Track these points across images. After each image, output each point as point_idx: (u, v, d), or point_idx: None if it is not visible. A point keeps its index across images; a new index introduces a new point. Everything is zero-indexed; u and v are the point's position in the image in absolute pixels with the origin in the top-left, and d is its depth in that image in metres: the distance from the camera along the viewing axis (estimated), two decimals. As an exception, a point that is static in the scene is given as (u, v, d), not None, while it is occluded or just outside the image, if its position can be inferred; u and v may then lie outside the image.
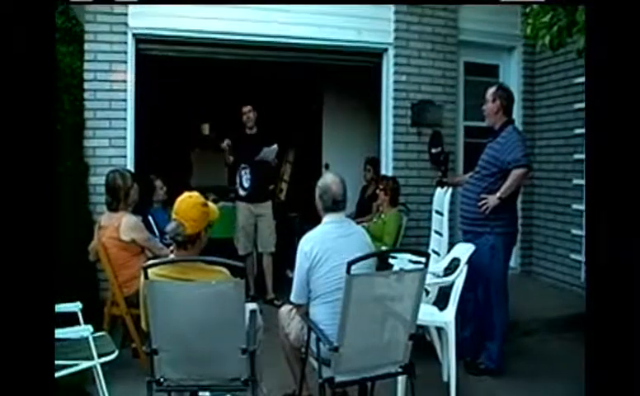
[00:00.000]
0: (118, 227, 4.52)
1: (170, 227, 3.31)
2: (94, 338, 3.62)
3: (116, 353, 3.73)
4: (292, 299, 3.73)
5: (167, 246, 4.64)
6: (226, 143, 6.47)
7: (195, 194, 3.40)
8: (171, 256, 3.37)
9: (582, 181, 6.49)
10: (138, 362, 4.29)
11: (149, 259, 4.21)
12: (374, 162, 7.37)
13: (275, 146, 6.46)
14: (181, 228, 3.24)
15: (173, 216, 3.30)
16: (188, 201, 3.32)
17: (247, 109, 6.52)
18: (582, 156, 6.50)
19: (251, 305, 3.71)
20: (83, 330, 3.62)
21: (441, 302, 4.71)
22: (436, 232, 5.54)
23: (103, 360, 3.61)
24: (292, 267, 3.85)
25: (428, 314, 4.41)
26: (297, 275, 3.65)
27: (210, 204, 3.44)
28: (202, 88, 8.83)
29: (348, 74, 7.81)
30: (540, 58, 7.34)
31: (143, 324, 3.23)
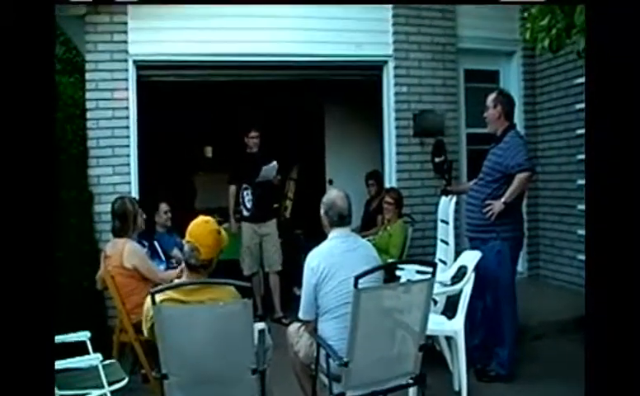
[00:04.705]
0: (122, 255, 4.54)
1: (184, 249, 3.33)
2: (103, 366, 3.62)
3: (126, 380, 3.72)
4: (300, 315, 3.72)
5: (175, 268, 4.70)
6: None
7: (211, 220, 3.42)
8: (177, 280, 3.38)
9: (586, 182, 6.48)
10: (148, 388, 4.27)
11: (156, 285, 4.22)
12: (376, 176, 7.36)
13: (275, 163, 6.46)
14: (196, 253, 3.26)
15: (187, 239, 3.32)
16: (204, 227, 3.34)
17: (253, 134, 6.53)
18: (585, 156, 6.50)
19: (260, 325, 3.69)
20: (92, 358, 3.62)
21: (450, 311, 4.72)
22: (442, 241, 5.53)
23: (113, 387, 3.60)
24: (299, 285, 3.85)
25: (437, 324, 4.41)
26: (304, 292, 3.64)
27: (222, 230, 3.46)
28: (203, 111, 8.87)
29: (349, 88, 7.83)
30: (540, 61, 7.34)
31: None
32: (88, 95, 6.00)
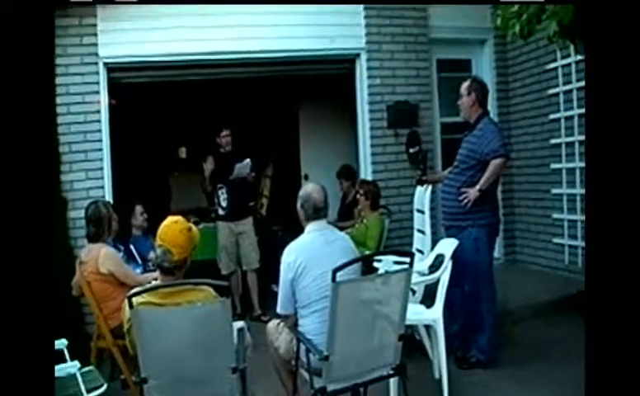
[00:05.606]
0: (97, 260, 4.49)
1: (156, 254, 3.31)
2: (82, 374, 3.57)
3: (105, 387, 3.68)
4: (278, 310, 3.72)
5: (152, 271, 4.65)
6: (209, 163, 6.49)
7: (180, 219, 3.38)
8: (154, 283, 3.36)
9: (560, 165, 6.57)
10: (128, 394, 4.24)
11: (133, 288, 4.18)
12: (345, 173, 7.37)
13: (248, 161, 6.44)
14: (169, 256, 3.23)
15: (159, 243, 3.28)
16: (174, 228, 3.30)
17: (225, 133, 6.49)
18: (559, 140, 6.59)
19: (239, 324, 3.69)
20: (70, 367, 3.56)
21: (428, 299, 4.73)
22: (419, 230, 5.55)
23: (92, 394, 3.56)
24: (277, 282, 3.83)
25: (416, 313, 4.43)
26: (281, 287, 3.65)
27: (193, 227, 3.43)
28: (176, 112, 8.81)
29: (322, 83, 7.81)
30: (512, 48, 7.39)
31: (131, 351, 3.22)
32: (59, 99, 5.90)
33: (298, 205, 3.77)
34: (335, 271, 3.14)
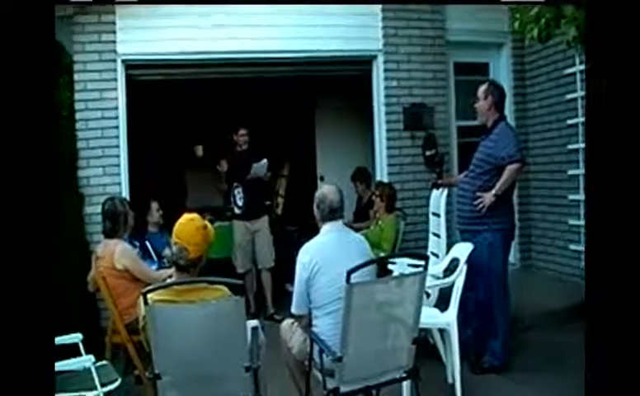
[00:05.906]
0: (113, 256, 4.52)
1: (172, 251, 3.32)
2: (96, 368, 3.59)
3: (119, 381, 3.70)
4: (292, 310, 3.73)
5: (167, 267, 4.68)
6: (224, 165, 6.51)
7: (196, 216, 3.40)
8: (170, 280, 3.37)
9: (577, 172, 6.51)
10: (142, 389, 4.27)
11: (148, 285, 4.20)
12: (359, 176, 7.33)
13: (265, 161, 6.47)
14: (184, 253, 3.25)
15: (175, 240, 3.30)
16: (190, 225, 3.32)
17: (241, 132, 6.53)
18: (576, 146, 6.53)
19: (253, 322, 3.69)
20: (85, 360, 3.59)
21: (442, 303, 4.72)
22: (434, 234, 5.55)
23: (106, 389, 3.58)
24: (292, 281, 3.84)
25: (430, 317, 4.41)
26: (296, 287, 3.65)
27: (208, 225, 3.44)
28: (193, 110, 8.83)
29: (339, 84, 7.83)
30: (530, 52, 7.35)
31: (146, 348, 3.24)
32: (77, 96, 5.98)
33: (315, 205, 3.77)
34: (349, 273, 3.14)
